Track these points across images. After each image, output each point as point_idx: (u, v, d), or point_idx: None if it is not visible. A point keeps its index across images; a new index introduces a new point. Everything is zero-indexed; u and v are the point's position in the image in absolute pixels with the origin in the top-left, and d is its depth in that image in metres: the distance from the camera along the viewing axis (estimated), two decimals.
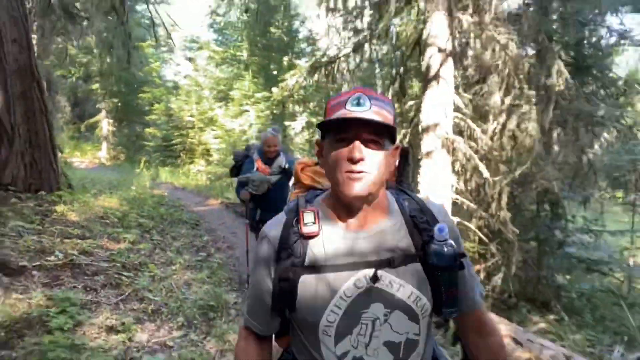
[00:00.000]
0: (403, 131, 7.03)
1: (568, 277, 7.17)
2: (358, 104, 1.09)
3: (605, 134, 8.69)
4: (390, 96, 7.32)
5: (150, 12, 9.47)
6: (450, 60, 5.82)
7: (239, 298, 5.45)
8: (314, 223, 1.18)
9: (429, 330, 1.25)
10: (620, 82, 9.02)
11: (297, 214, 1.22)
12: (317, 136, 1.27)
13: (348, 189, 1.10)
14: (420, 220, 1.21)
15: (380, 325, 1.15)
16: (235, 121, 17.42)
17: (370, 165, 1.09)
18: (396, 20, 8.68)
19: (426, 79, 5.91)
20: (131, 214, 7.39)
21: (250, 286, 1.30)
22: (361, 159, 1.08)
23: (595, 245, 6.83)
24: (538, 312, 6.48)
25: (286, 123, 15.87)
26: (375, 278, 1.12)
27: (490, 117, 6.01)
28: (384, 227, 1.19)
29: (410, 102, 6.92)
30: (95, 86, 20.56)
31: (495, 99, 5.86)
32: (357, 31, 7.94)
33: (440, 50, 5.74)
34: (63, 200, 6.59)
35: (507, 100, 5.83)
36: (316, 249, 1.17)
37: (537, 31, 6.38)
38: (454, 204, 6.22)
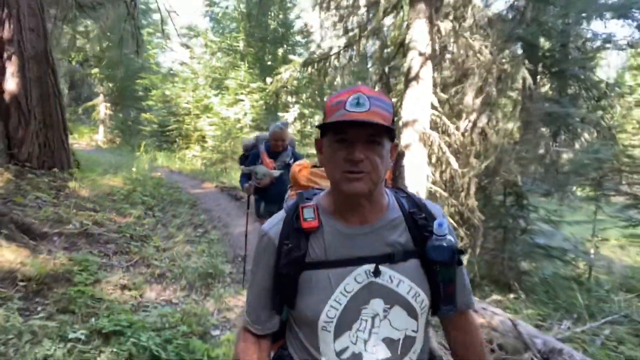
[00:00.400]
0: None
1: (530, 263, 7.92)
2: (358, 105, 1.10)
3: (586, 135, 9.42)
4: None
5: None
6: (429, 63, 6.49)
7: (234, 269, 6.13)
8: (314, 218, 1.19)
9: (427, 327, 1.27)
10: (602, 85, 9.69)
11: (296, 210, 1.22)
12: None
13: (347, 187, 1.11)
14: (418, 217, 1.23)
15: (380, 322, 1.16)
16: (230, 109, 17.99)
17: (369, 165, 1.10)
18: (388, 21, 9.31)
19: (407, 79, 6.58)
20: (135, 192, 8.04)
21: (250, 284, 1.31)
22: (361, 160, 1.09)
23: (552, 234, 7.58)
24: (500, 292, 7.23)
25: (279, 114, 16.48)
26: (377, 272, 1.14)
27: (464, 115, 6.71)
28: (384, 223, 1.21)
29: (394, 99, 7.60)
30: (95, 70, 21.01)
31: (468, 99, 6.56)
32: (347, 30, 8.57)
33: (420, 54, 6.40)
34: (74, 178, 7.21)
35: (479, 101, 6.54)
36: (316, 244, 1.18)
37: (511, 37, 7.07)
38: (429, 192, 6.94)
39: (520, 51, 8.41)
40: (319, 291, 1.15)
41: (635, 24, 8.59)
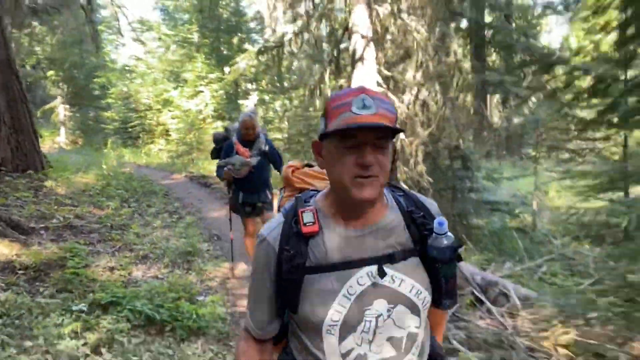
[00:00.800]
0: None
1: (478, 218, 8.81)
2: (365, 107, 1.08)
3: (534, 99, 10.27)
4: (327, 75, 8.62)
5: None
6: (372, 44, 7.14)
7: (210, 246, 6.71)
8: (314, 223, 1.18)
9: (427, 322, 1.29)
10: (546, 51, 10.52)
11: (295, 214, 1.21)
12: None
13: (359, 193, 1.10)
14: (417, 215, 1.22)
15: (384, 321, 1.16)
16: (191, 101, 18.29)
17: (378, 169, 1.10)
18: (339, 4, 9.81)
19: (353, 60, 7.23)
20: (109, 187, 8.48)
21: (250, 289, 1.31)
22: (372, 164, 1.08)
23: (496, 190, 8.46)
24: None
25: (239, 102, 16.88)
26: (382, 273, 1.14)
27: (407, 90, 7.42)
28: (383, 224, 1.20)
29: (343, 80, 8.24)
30: (51, 73, 20.82)
31: (409, 75, 7.27)
32: (296, 17, 9.11)
33: (362, 36, 7.04)
34: (49, 178, 7.60)
35: (419, 75, 7.25)
36: (317, 248, 1.17)
37: (444, 15, 7.79)
38: None
39: (457, 26, 9.15)
40: (322, 295, 1.15)
41: None
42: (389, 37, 7.70)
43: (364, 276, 1.15)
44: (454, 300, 1.24)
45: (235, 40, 19.97)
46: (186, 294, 4.69)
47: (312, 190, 1.38)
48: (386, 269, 1.15)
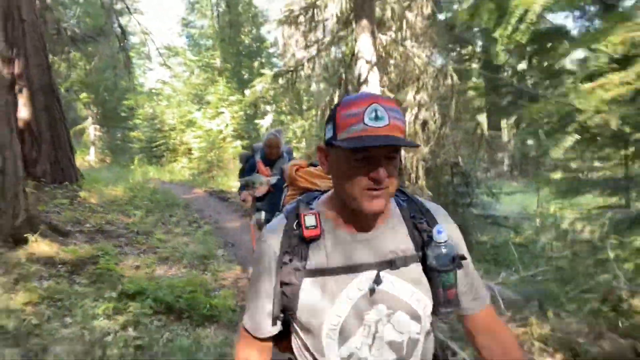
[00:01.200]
0: None
1: (476, 232, 9.27)
2: (377, 118, 1.05)
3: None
4: (336, 97, 9.32)
5: (139, 23, 11.32)
6: (375, 69, 7.82)
7: (225, 252, 7.35)
8: (316, 226, 1.17)
9: (431, 329, 1.27)
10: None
11: (297, 217, 1.20)
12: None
13: (369, 205, 1.08)
14: (419, 221, 1.21)
15: (383, 326, 1.15)
16: (212, 122, 19.27)
17: (389, 180, 1.08)
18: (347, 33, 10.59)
19: (358, 83, 7.91)
20: (135, 199, 9.28)
21: (250, 290, 1.30)
22: (386, 178, 1.06)
23: (492, 204, 8.91)
24: None
25: (256, 121, 17.75)
26: (378, 280, 1.13)
27: (408, 109, 8.05)
28: (385, 229, 1.19)
29: None
30: (83, 95, 22.18)
31: (410, 96, 7.91)
32: (308, 45, 9.89)
33: (367, 62, 7.73)
34: (82, 189, 8.42)
35: (418, 97, 7.88)
36: (318, 252, 1.17)
37: (444, 42, 8.45)
38: None
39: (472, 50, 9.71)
40: (322, 299, 1.14)
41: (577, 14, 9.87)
42: (392, 62, 8.38)
43: (363, 281, 1.14)
44: (452, 310, 1.20)
45: (255, 64, 21.00)
46: (202, 289, 5.32)
47: (315, 191, 1.42)
48: (386, 274, 1.15)
